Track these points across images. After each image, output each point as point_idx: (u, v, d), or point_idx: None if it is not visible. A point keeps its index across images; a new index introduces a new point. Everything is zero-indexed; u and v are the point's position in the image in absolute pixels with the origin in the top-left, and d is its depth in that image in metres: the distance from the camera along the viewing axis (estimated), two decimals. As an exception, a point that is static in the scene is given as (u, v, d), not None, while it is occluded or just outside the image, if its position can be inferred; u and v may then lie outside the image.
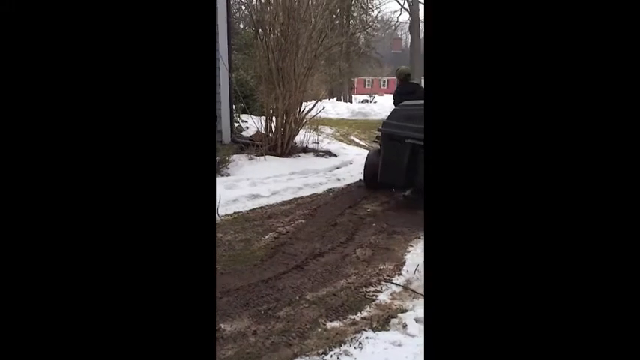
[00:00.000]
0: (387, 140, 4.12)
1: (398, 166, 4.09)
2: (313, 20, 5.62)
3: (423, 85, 5.08)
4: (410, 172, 4.09)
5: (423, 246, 3.20)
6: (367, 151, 6.56)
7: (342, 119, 10.98)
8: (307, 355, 2.01)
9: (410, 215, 3.99)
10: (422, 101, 4.47)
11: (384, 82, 40.68)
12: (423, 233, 3.49)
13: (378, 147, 4.97)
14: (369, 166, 4.75)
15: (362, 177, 5.03)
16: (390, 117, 4.21)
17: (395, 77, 5.30)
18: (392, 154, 4.09)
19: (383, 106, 15.62)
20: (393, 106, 4.71)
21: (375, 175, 4.49)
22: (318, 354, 2.01)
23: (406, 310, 2.36)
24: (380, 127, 4.29)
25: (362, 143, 7.40)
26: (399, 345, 2.07)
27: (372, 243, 3.31)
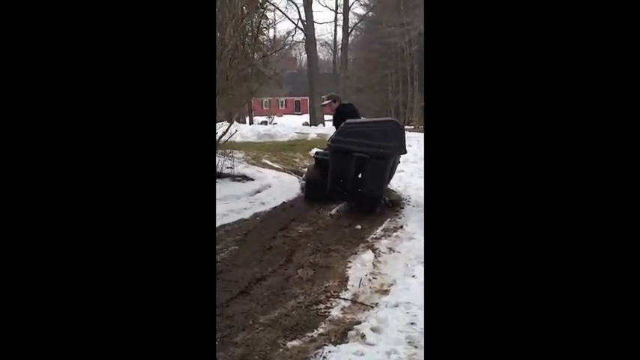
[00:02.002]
0: (336, 154, 4.84)
1: (345, 177, 4.81)
2: (224, 40, 5.77)
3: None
4: (355, 182, 4.82)
5: (360, 261, 3.47)
6: (283, 175, 6.83)
7: (249, 142, 11.13)
8: (276, 376, 2.12)
9: (341, 233, 4.27)
10: (363, 119, 5.32)
11: (282, 102, 41.52)
12: (358, 249, 3.77)
13: (314, 162, 5.64)
14: (311, 180, 5.39)
15: (285, 200, 5.30)
16: (337, 133, 4.91)
17: (327, 101, 5.95)
18: (340, 167, 4.81)
19: (285, 127, 16.05)
20: (333, 127, 5.54)
21: (316, 188, 5.15)
22: (286, 373, 2.14)
23: (360, 322, 2.57)
24: (329, 142, 5.00)
25: (276, 166, 7.62)
26: (362, 354, 2.26)
27: (311, 263, 3.50)
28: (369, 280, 3.18)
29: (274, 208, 5.12)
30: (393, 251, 3.73)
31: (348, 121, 4.94)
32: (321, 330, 2.52)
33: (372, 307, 2.76)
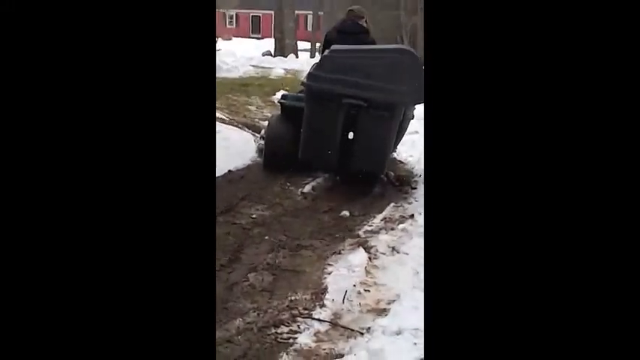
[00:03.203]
0: (315, 99, 4.72)
1: (328, 136, 4.75)
2: None
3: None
4: (344, 144, 4.76)
5: (347, 265, 3.51)
6: (230, 130, 6.80)
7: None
8: None
9: (318, 222, 4.33)
10: (360, 47, 5.01)
11: (231, 18, 41.02)
12: (343, 247, 3.82)
13: (279, 112, 5.54)
14: (274, 139, 5.29)
15: (232, 168, 5.29)
16: (318, 67, 4.76)
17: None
18: (320, 120, 4.74)
19: (236, 56, 15.86)
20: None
21: (282, 151, 5.12)
22: None
23: (342, 355, 2.62)
24: (304, 81, 4.85)
25: (219, 116, 7.57)
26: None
27: (269, 264, 3.54)
28: (359, 293, 3.23)
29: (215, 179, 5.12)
30: (397, 252, 3.80)
31: (336, 47, 4.83)
32: (281, 365, 2.57)
33: (362, 334, 2.81)
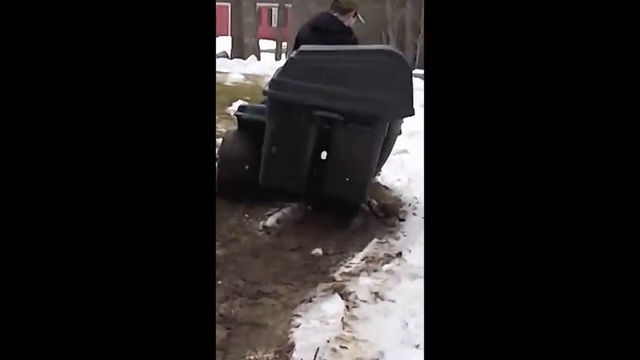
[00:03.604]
0: (280, 112, 4.63)
1: (296, 157, 4.66)
2: None
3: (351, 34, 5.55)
4: (316, 167, 4.69)
5: (319, 316, 3.47)
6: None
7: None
8: None
9: (283, 263, 4.27)
10: (336, 48, 4.90)
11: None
12: (314, 293, 3.76)
13: (236, 127, 5.48)
14: (229, 160, 5.17)
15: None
16: (284, 72, 4.65)
17: (337, 14, 5.63)
18: (286, 137, 4.65)
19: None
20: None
21: (238, 175, 5.03)
22: None
23: None
24: (266, 89, 4.76)
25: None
26: None
27: (223, 316, 3.47)
28: (334, 350, 3.16)
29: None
30: (382, 299, 3.75)
31: (305, 47, 4.77)
32: None
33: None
